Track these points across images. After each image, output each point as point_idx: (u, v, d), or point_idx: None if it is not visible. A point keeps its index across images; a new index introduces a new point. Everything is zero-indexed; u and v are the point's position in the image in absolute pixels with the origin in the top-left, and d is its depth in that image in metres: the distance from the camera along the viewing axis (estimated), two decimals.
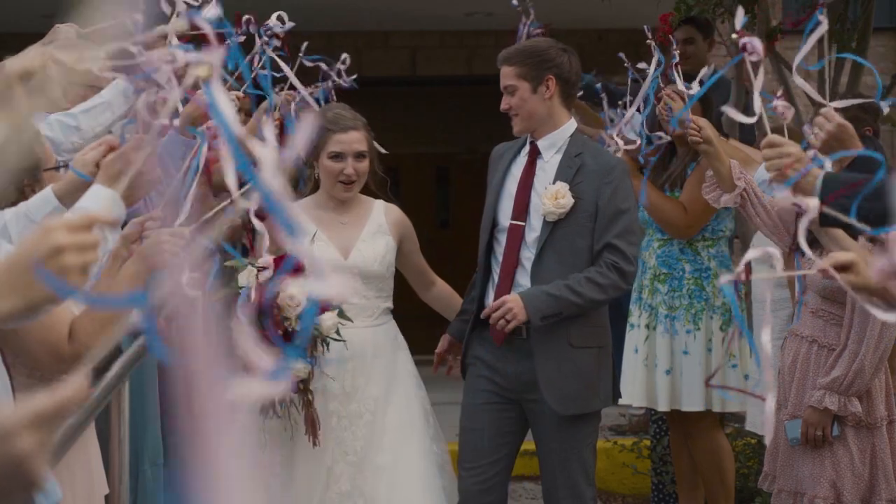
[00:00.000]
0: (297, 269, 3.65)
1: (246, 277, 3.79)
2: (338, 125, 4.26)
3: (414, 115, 12.03)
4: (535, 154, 4.31)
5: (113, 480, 3.37)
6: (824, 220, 3.17)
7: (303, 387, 3.91)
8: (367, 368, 4.20)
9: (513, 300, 4.08)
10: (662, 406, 5.17)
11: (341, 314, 3.94)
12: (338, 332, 3.91)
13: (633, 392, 5.23)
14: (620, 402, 5.38)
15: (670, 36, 6.32)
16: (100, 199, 2.28)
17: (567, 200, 4.18)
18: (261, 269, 3.69)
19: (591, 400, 4.24)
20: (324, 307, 3.84)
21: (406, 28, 10.37)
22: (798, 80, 3.21)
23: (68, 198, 2.86)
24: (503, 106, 4.31)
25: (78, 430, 2.82)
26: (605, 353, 4.31)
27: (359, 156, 4.26)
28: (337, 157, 4.25)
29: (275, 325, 3.73)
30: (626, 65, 4.96)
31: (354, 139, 4.25)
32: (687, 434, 5.27)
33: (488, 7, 9.17)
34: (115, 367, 3.17)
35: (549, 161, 4.29)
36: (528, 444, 4.45)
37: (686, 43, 6.54)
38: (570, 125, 4.32)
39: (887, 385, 4.08)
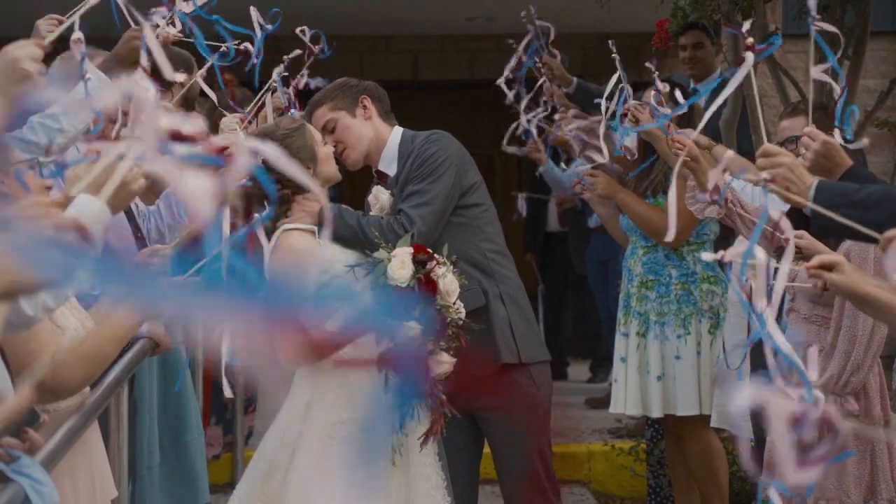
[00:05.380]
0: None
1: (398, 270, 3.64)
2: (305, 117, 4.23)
3: (416, 118, 12.04)
4: (384, 180, 4.30)
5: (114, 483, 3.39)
6: (817, 228, 3.22)
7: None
8: None
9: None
10: (656, 412, 5.19)
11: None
12: None
13: (626, 400, 5.25)
14: (614, 411, 5.45)
15: (668, 42, 6.37)
16: (86, 209, 2.30)
17: (382, 203, 4.19)
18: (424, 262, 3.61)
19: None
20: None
21: (407, 32, 10.40)
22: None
23: None
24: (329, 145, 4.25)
25: (76, 433, 2.85)
26: (483, 314, 4.16)
27: None
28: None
29: (436, 316, 3.64)
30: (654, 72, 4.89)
31: None
32: (680, 437, 5.30)
33: (489, 11, 9.20)
34: (114, 372, 3.20)
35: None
36: None
37: (695, 48, 6.53)
38: (396, 133, 4.30)
39: (882, 386, 4.11)
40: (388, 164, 4.28)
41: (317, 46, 5.15)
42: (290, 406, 3.90)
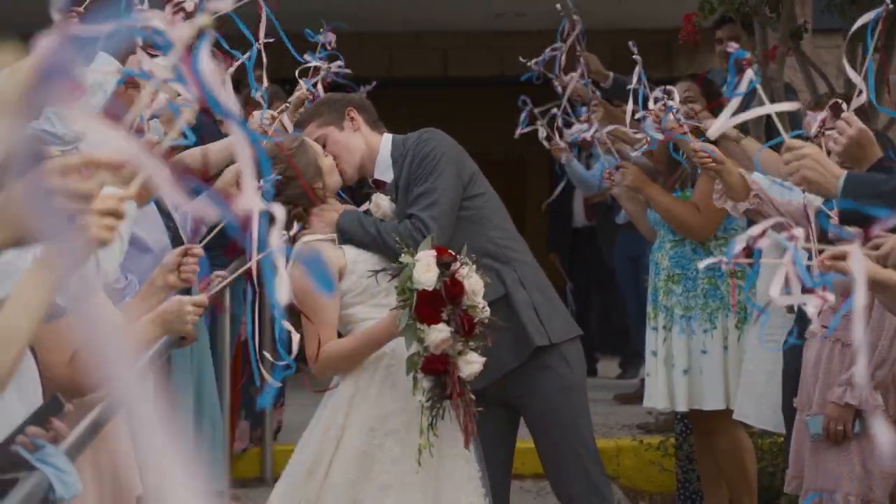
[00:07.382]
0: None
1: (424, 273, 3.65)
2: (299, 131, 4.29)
3: (446, 115, 12.05)
4: (382, 188, 4.30)
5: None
6: (844, 219, 3.20)
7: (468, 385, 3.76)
8: None
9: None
10: (681, 406, 5.19)
11: None
12: None
13: (656, 394, 5.25)
14: (647, 405, 5.45)
15: (696, 36, 6.33)
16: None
17: (384, 210, 4.19)
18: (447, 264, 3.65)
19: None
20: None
21: (436, 29, 10.41)
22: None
23: None
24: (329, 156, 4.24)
25: (101, 423, 2.86)
26: (506, 302, 4.18)
27: None
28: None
29: (464, 316, 3.66)
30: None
31: None
32: (709, 433, 5.28)
33: (518, 8, 9.20)
34: (139, 364, 3.22)
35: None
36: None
37: (731, 41, 6.47)
38: (387, 140, 4.30)
39: None
40: (384, 172, 4.29)
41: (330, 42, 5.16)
42: (332, 400, 3.93)
